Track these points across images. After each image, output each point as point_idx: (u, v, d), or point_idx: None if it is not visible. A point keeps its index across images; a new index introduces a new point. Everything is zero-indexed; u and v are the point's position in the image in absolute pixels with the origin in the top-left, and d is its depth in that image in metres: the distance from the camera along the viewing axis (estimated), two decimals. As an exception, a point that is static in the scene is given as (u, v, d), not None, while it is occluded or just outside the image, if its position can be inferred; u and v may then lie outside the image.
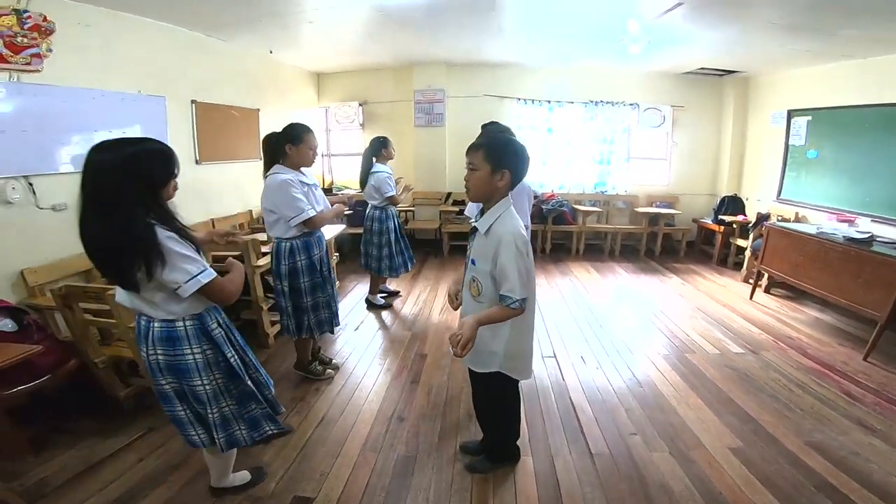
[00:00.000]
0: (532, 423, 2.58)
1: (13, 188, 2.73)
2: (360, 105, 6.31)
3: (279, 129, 2.66)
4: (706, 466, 2.23)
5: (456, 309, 1.99)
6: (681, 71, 6.03)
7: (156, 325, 1.55)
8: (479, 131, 4.42)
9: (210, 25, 3.97)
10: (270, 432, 1.85)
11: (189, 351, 1.57)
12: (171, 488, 2.05)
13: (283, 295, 2.73)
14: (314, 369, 3.04)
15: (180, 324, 1.56)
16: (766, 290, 4.88)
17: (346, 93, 6.41)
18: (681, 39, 4.40)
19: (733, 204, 6.06)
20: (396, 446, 2.38)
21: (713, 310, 4.44)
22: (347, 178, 6.70)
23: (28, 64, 2.74)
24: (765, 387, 3.01)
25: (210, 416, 1.66)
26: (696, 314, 4.32)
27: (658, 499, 2.02)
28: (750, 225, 5.45)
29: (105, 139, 1.43)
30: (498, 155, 1.65)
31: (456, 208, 6.20)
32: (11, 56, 2.65)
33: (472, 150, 1.69)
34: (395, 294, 4.69)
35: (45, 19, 2.79)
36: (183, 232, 1.49)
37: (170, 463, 2.21)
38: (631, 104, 6.27)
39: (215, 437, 1.69)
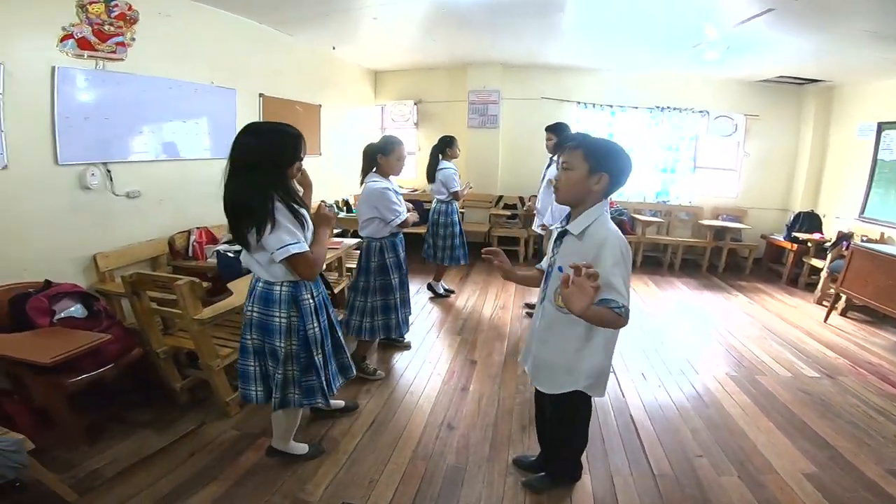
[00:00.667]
0: (591, 440, 2.37)
1: (92, 174, 2.83)
2: (414, 104, 6.30)
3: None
4: (778, 492, 2.10)
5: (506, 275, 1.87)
6: (756, 78, 5.66)
7: (259, 284, 1.82)
8: (538, 134, 4.35)
9: (279, 19, 4.04)
10: (319, 404, 1.97)
11: (277, 314, 1.80)
12: (221, 486, 2.02)
13: (367, 292, 2.93)
14: (367, 367, 3.05)
15: (277, 287, 1.79)
16: (842, 314, 4.49)
17: (401, 91, 6.41)
18: (763, 47, 4.12)
19: (809, 220, 5.60)
20: (447, 455, 2.30)
21: (784, 331, 4.14)
22: (402, 176, 6.67)
23: (113, 52, 2.84)
24: (842, 412, 2.82)
25: (276, 375, 1.85)
26: (765, 334, 4.05)
27: None
28: (829, 244, 5.02)
29: (254, 121, 1.85)
30: (599, 156, 1.51)
31: (507, 212, 6.07)
32: (99, 43, 2.75)
33: (569, 148, 1.56)
34: (450, 292, 4.73)
35: (130, 8, 2.89)
36: (295, 208, 1.70)
37: (221, 460, 2.19)
38: (700, 111, 5.94)
39: (273, 395, 1.89)
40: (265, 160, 1.66)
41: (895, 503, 2.04)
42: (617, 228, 1.53)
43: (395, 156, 2.82)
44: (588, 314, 1.32)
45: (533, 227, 4.42)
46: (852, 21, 3.25)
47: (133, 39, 2.96)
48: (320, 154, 5.19)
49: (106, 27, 2.77)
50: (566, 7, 3.54)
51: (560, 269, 1.58)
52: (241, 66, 3.93)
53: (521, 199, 6.20)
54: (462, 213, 6.20)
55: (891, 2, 2.82)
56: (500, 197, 6.26)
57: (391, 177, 2.92)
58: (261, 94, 4.17)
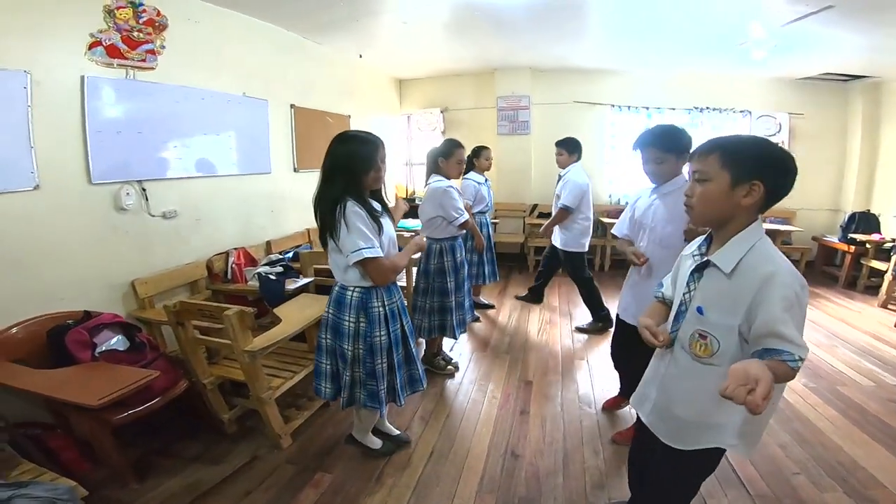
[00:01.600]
0: None
1: (127, 193, 2.69)
2: (441, 112, 6.13)
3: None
4: None
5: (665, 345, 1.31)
6: (799, 76, 5.41)
7: (336, 288, 1.96)
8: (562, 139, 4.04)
9: (307, 26, 3.91)
10: (378, 409, 2.02)
11: (347, 317, 1.91)
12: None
13: (426, 294, 3.01)
14: (438, 363, 3.18)
15: (349, 292, 1.91)
16: (913, 318, 4.18)
17: (427, 99, 6.25)
18: (812, 44, 3.90)
19: (865, 221, 5.29)
20: (515, 488, 2.11)
21: (854, 337, 3.89)
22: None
23: (143, 60, 2.70)
24: None
25: (344, 375, 1.98)
26: (834, 342, 3.81)
27: None
28: (891, 245, 4.72)
29: (347, 130, 1.97)
30: (744, 159, 1.14)
31: (543, 221, 5.84)
32: (128, 51, 2.61)
33: (700, 154, 1.21)
34: (489, 307, 4.50)
35: (158, 14, 2.75)
36: (373, 213, 1.83)
37: (278, 499, 2.02)
38: (742, 111, 5.68)
39: (341, 394, 2.02)
40: (343, 167, 1.80)
41: None
42: (784, 257, 1.16)
43: (454, 159, 2.93)
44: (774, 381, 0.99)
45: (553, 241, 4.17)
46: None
47: (163, 47, 2.82)
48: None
49: (135, 34, 2.63)
50: (596, 7, 3.41)
51: (700, 310, 1.22)
52: (271, 75, 3.79)
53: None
54: (495, 223, 6.03)
55: None
56: (535, 206, 6.04)
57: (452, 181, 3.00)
58: (292, 105, 4.03)
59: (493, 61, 5.43)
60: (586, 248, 3.96)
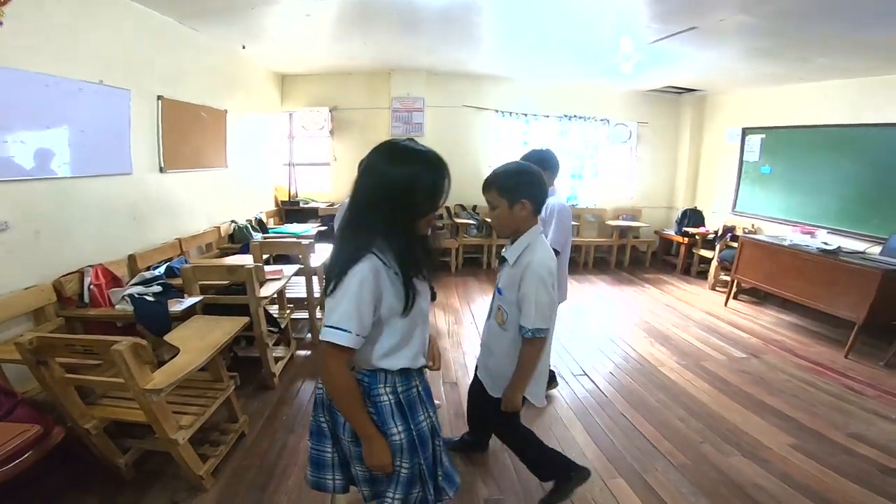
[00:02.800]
0: (602, 443, 2.52)
1: (-64, 200, 2.01)
2: (330, 111, 5.81)
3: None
4: (781, 464, 2.33)
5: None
6: (647, 88, 6.31)
7: None
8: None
9: (188, 12, 3.37)
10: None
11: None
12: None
13: None
14: None
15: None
16: (734, 297, 5.16)
17: (313, 97, 5.86)
18: (670, 60, 4.55)
19: (694, 216, 6.41)
20: (477, 489, 2.13)
21: (699, 318, 4.64)
22: (314, 189, 6.13)
23: (-33, 36, 2.05)
24: (782, 387, 3.21)
25: (356, 471, 1.35)
26: (686, 322, 4.49)
27: (760, 497, 2.11)
28: (714, 236, 5.78)
29: (397, 142, 1.26)
30: (511, 187, 1.64)
31: (437, 223, 5.92)
32: (-54, 23, 1.96)
33: (485, 188, 1.68)
34: None
35: (-4, -19, 2.12)
36: (408, 277, 1.30)
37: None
38: (602, 120, 6.44)
39: (360, 489, 1.38)
40: (389, 200, 1.15)
41: (871, 461, 2.39)
42: (548, 252, 1.65)
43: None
44: (523, 383, 1.72)
45: None
46: (753, 39, 3.71)
47: (0, 23, 2.17)
48: (226, 166, 4.47)
49: (-42, 1, 1.99)
50: (485, 13, 3.51)
51: (499, 290, 1.77)
52: (137, 63, 3.17)
53: (448, 209, 6.08)
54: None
55: (777, 22, 3.25)
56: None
57: None
58: (160, 97, 3.41)
59: (390, 61, 5.32)
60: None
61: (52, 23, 2.50)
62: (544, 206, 2.71)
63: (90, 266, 2.77)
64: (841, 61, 4.07)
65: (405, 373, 1.30)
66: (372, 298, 1.15)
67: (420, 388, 1.36)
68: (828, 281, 3.93)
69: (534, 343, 1.62)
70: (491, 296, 1.95)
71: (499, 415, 1.80)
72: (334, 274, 1.16)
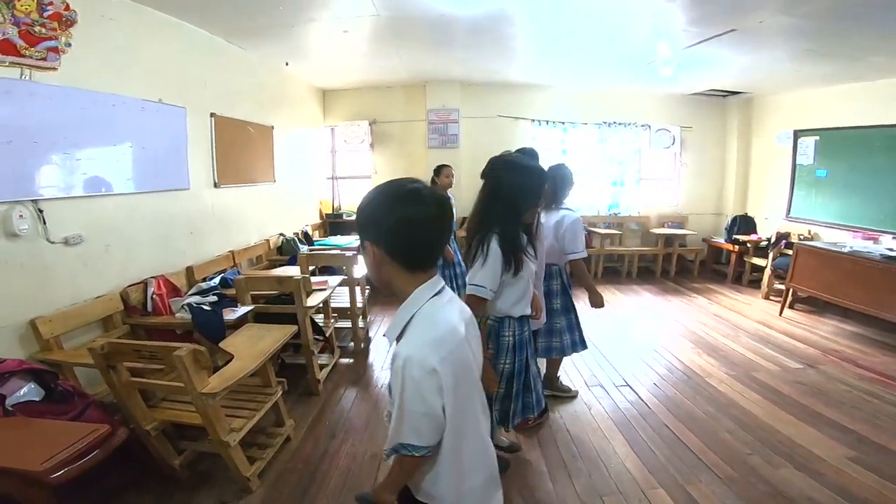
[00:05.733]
0: (643, 454, 2.44)
1: (20, 216, 2.17)
2: (369, 124, 5.96)
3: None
4: (837, 476, 2.21)
5: None
6: (689, 92, 6.14)
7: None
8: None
9: (233, 30, 3.56)
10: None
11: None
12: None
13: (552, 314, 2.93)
14: (561, 386, 3.11)
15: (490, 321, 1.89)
16: (790, 306, 4.89)
17: (353, 111, 6.03)
18: (710, 63, 4.44)
19: (745, 223, 6.15)
20: (511, 496, 2.11)
21: (751, 328, 4.43)
22: (357, 202, 6.25)
23: (43, 59, 2.23)
24: (841, 399, 3.01)
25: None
26: (737, 332, 4.30)
27: None
28: (766, 244, 5.52)
29: (510, 156, 2.02)
30: (359, 222, 1.01)
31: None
32: (26, 48, 2.14)
33: None
34: None
35: (66, 7, 2.31)
36: (516, 252, 1.79)
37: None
38: (643, 125, 6.31)
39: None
40: (506, 198, 1.76)
41: None
42: (426, 333, 0.96)
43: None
44: (390, 491, 1.05)
45: None
46: (797, 40, 3.59)
47: (69, 45, 2.36)
48: (274, 181, 4.65)
49: (36, 28, 2.17)
50: (526, 25, 3.55)
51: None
52: (191, 81, 3.37)
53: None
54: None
55: (819, 22, 3.12)
56: (464, 219, 6.07)
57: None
58: (212, 114, 3.61)
59: (424, 74, 5.42)
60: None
61: (114, 45, 2.68)
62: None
63: (153, 277, 2.93)
64: (894, 59, 3.84)
65: (521, 320, 1.93)
66: (501, 267, 1.72)
67: (527, 334, 1.98)
68: (893, 289, 3.67)
69: (400, 461, 1.01)
70: None
71: None
72: (472, 247, 1.78)
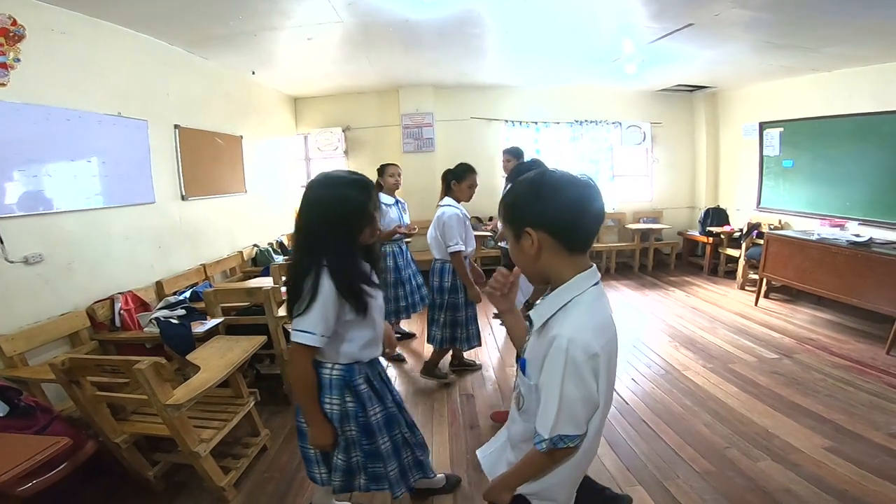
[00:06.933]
0: (621, 451, 2.45)
1: (-25, 235, 2.14)
2: (343, 131, 5.95)
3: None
4: (814, 467, 2.22)
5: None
6: (657, 88, 6.26)
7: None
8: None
9: (194, 40, 3.52)
10: (387, 490, 1.65)
11: (328, 399, 1.52)
12: None
13: (441, 308, 3.08)
14: (439, 373, 3.27)
15: (326, 370, 1.52)
16: (765, 295, 4.97)
17: (326, 118, 6.02)
18: (673, 58, 4.52)
19: (717, 215, 6.26)
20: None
21: (728, 319, 4.48)
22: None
23: (-9, 76, 2.20)
24: (817, 388, 3.05)
25: (335, 459, 1.59)
26: (714, 324, 4.34)
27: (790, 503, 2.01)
28: (741, 235, 5.62)
29: (327, 172, 1.56)
30: (510, 210, 1.05)
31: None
32: (-28, 66, 2.11)
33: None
34: (410, 336, 4.22)
35: (14, 23, 2.28)
36: (357, 287, 1.48)
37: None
38: (614, 122, 6.40)
39: (333, 478, 1.63)
40: (327, 222, 1.42)
41: None
42: (587, 317, 0.98)
43: (467, 183, 3.00)
44: (517, 484, 1.08)
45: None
46: (754, 33, 3.68)
47: (17, 60, 2.33)
48: (245, 191, 4.61)
49: (-18, 45, 2.14)
50: (494, 25, 3.57)
51: (523, 363, 1.11)
52: (152, 93, 3.33)
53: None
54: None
55: (789, 15, 3.22)
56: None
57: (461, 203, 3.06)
58: (176, 126, 3.57)
59: (397, 78, 5.43)
60: None
61: (67, 58, 2.65)
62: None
63: (120, 293, 2.89)
64: (849, 49, 3.97)
65: (373, 362, 1.62)
66: (336, 307, 1.41)
67: (383, 374, 1.68)
68: (861, 274, 3.75)
69: (551, 454, 1.01)
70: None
71: None
72: (297, 289, 1.40)
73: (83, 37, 2.74)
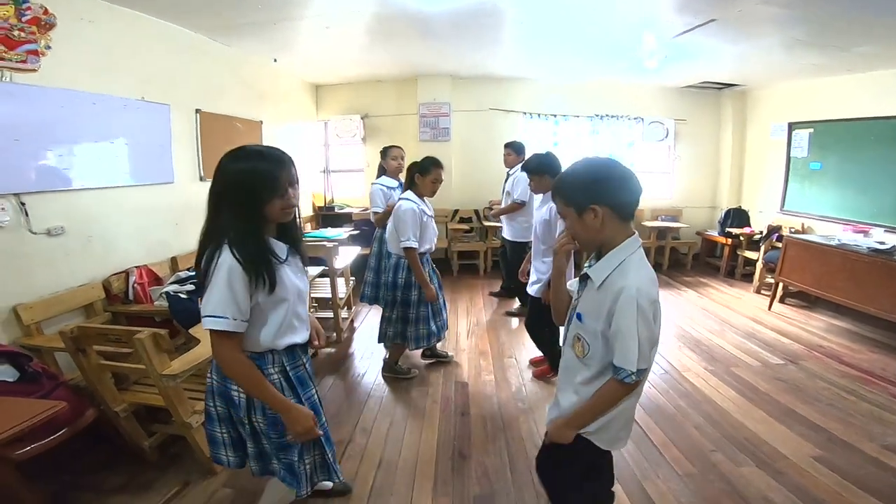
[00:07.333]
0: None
1: (2, 209, 2.32)
2: (361, 118, 6.04)
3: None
4: (798, 476, 2.19)
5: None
6: (682, 84, 6.10)
7: None
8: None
9: (216, 27, 3.64)
10: (298, 489, 1.56)
11: (236, 386, 1.42)
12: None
13: (393, 305, 3.03)
14: (399, 368, 3.24)
15: None
16: (781, 300, 4.85)
17: (345, 106, 6.12)
18: (698, 54, 4.41)
19: (738, 216, 6.09)
20: (469, 488, 2.17)
21: (739, 322, 4.39)
22: (349, 195, 6.37)
23: (23, 62, 2.36)
24: (818, 396, 2.99)
25: (248, 447, 1.53)
26: (723, 327, 4.27)
27: None
28: (759, 237, 5.48)
29: (243, 146, 1.39)
30: (576, 189, 1.28)
31: (464, 226, 6.00)
32: (6, 52, 2.27)
33: (553, 197, 1.38)
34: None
35: (45, 12, 2.43)
36: (267, 265, 1.36)
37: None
38: (635, 118, 6.28)
39: (249, 464, 1.57)
40: (234, 194, 1.30)
41: None
42: (647, 275, 1.26)
43: (431, 177, 2.92)
44: (586, 422, 1.33)
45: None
46: (781, 29, 3.56)
47: (48, 48, 2.48)
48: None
49: (15, 32, 2.30)
50: (512, 16, 3.55)
51: (579, 316, 1.35)
52: (174, 79, 3.48)
53: (477, 212, 6.15)
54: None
55: (816, 12, 3.11)
56: (456, 211, 6.17)
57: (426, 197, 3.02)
58: (197, 110, 3.72)
59: (415, 68, 5.46)
60: (530, 239, 4.32)
61: (94, 46, 2.80)
62: (548, 208, 2.86)
63: (135, 267, 3.06)
64: (881, 49, 3.80)
65: (291, 350, 1.49)
66: (243, 284, 1.28)
67: (307, 366, 1.57)
68: (881, 283, 3.61)
69: (623, 387, 1.26)
70: None
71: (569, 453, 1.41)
72: (202, 268, 1.31)
73: (109, 25, 2.88)
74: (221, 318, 1.27)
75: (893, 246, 3.76)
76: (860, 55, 4.03)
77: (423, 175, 2.91)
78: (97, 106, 2.81)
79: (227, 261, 1.26)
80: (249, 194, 1.29)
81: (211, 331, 1.30)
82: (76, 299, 2.66)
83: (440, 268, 6.00)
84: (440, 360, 3.47)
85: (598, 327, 1.27)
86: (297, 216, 1.48)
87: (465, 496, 2.11)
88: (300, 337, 1.50)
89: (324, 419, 1.59)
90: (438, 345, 3.46)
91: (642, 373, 1.23)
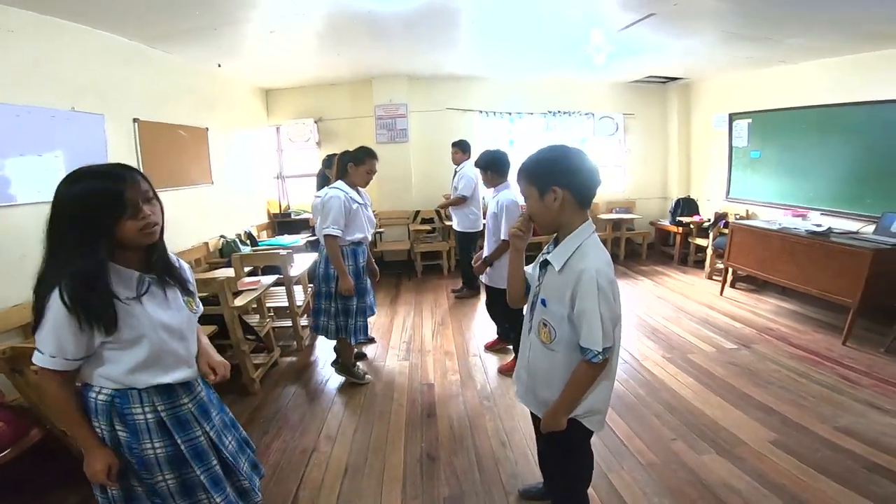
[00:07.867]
0: None
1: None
2: (315, 122, 5.92)
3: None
4: (757, 462, 2.24)
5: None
6: (630, 79, 6.30)
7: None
8: (448, 145, 5.01)
9: (154, 36, 3.48)
10: None
11: (97, 424, 1.23)
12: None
13: (329, 297, 2.95)
14: (357, 372, 3.16)
15: (93, 393, 1.23)
16: (732, 285, 5.07)
17: (298, 109, 5.99)
18: (643, 49, 4.56)
19: (688, 205, 6.35)
20: (438, 489, 2.16)
21: (693, 309, 4.54)
22: (305, 201, 6.23)
23: (-66, 74, 2.18)
24: (770, 379, 3.08)
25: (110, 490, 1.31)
26: (678, 314, 4.40)
27: (729, 498, 2.02)
28: (709, 224, 5.72)
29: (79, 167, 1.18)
30: (540, 171, 1.36)
31: (426, 227, 5.98)
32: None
33: (517, 179, 1.44)
34: (370, 340, 3.86)
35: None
36: (82, 305, 1.14)
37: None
38: (587, 114, 6.44)
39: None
40: (71, 222, 1.12)
41: (857, 456, 2.26)
42: (603, 257, 1.34)
43: (365, 167, 2.91)
44: (570, 407, 1.40)
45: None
46: (717, 23, 3.70)
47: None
48: (212, 183, 4.59)
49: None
50: (463, 16, 3.57)
51: (544, 302, 1.41)
52: (109, 88, 3.30)
53: (439, 212, 6.14)
54: (381, 232, 5.98)
55: (750, 5, 3.25)
56: (418, 212, 6.14)
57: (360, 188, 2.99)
58: (135, 120, 3.54)
59: (370, 69, 5.39)
60: (479, 229, 4.68)
61: (16, 56, 2.64)
62: (496, 202, 2.96)
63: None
64: (813, 41, 4.02)
65: (167, 390, 1.28)
66: (70, 330, 1.12)
67: (192, 405, 1.34)
68: (820, 264, 3.81)
69: (595, 368, 1.34)
70: None
71: (561, 440, 1.48)
72: (34, 312, 1.15)
73: (32, 34, 2.72)
74: (41, 353, 1.14)
75: (829, 228, 3.99)
76: (792, 47, 4.25)
77: (357, 165, 2.89)
78: (21, 118, 2.63)
79: (54, 303, 1.09)
80: (90, 219, 1.11)
81: (42, 370, 1.16)
82: (11, 319, 2.50)
83: (404, 269, 6.09)
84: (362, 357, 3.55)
85: (564, 311, 1.34)
86: (162, 236, 1.27)
87: (435, 498, 2.10)
88: (173, 377, 1.28)
89: (214, 463, 1.35)
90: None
91: (608, 350, 1.30)
